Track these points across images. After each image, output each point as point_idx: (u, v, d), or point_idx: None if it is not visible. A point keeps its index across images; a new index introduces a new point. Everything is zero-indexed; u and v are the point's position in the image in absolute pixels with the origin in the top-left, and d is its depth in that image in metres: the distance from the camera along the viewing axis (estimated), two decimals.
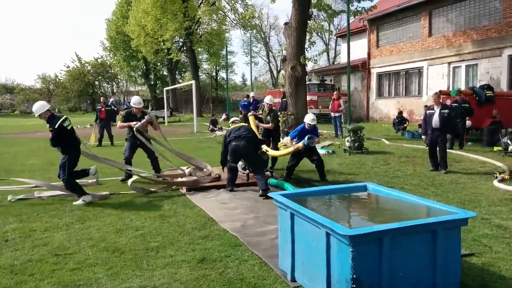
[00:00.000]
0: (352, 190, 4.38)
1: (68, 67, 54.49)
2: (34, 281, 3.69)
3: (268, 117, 9.17)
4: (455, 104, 11.87)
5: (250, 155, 7.14)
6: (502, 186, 7.14)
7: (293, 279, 3.54)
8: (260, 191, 6.71)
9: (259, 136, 8.37)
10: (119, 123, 8.21)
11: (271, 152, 8.35)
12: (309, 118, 7.98)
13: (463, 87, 16.81)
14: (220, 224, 5.21)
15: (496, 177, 7.69)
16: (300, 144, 7.49)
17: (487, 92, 13.42)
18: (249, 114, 9.83)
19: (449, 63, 19.18)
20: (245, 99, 20.37)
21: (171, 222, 5.37)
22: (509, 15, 16.31)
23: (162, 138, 8.35)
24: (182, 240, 4.67)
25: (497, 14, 16.95)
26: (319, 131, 8.73)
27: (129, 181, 7.37)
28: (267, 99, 9.42)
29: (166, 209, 6.04)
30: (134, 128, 7.66)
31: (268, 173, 7.76)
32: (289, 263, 3.57)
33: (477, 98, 13.30)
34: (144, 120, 7.73)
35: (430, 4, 19.79)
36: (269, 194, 4.03)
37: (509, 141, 10.69)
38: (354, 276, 2.78)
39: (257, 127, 9.01)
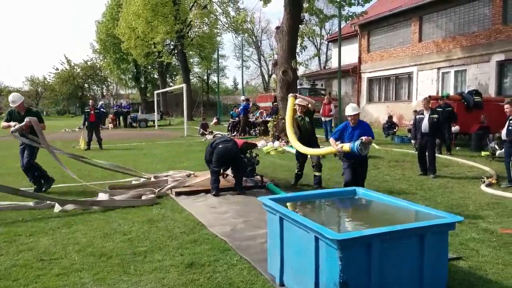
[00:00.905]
0: (341, 195, 4.40)
1: (57, 69, 54.10)
2: (18, 287, 3.63)
3: (306, 119, 7.82)
4: (439, 109, 11.94)
5: (238, 157, 7.30)
6: (489, 190, 7.23)
7: (282, 284, 3.52)
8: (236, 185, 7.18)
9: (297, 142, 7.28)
10: (2, 123, 7.68)
11: (309, 151, 7.27)
12: (349, 108, 6.04)
13: (452, 92, 16.98)
14: (209, 228, 5.17)
15: (484, 182, 7.78)
16: (347, 147, 5.67)
17: (475, 97, 13.55)
18: (290, 95, 8.00)
19: (439, 68, 19.38)
20: (243, 102, 20.34)
21: (160, 226, 5.31)
22: (497, 21, 16.55)
23: (46, 146, 7.48)
24: (170, 244, 4.63)
25: (486, 20, 17.19)
26: None
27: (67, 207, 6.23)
28: (299, 101, 7.83)
29: (154, 213, 5.98)
30: (10, 132, 7.35)
31: (258, 177, 7.74)
32: (278, 267, 3.56)
33: (465, 103, 13.44)
34: (23, 123, 7.24)
35: (420, 10, 20.01)
36: (258, 199, 3.99)
37: (496, 146, 10.80)
38: (343, 280, 2.78)
39: (298, 127, 7.66)
